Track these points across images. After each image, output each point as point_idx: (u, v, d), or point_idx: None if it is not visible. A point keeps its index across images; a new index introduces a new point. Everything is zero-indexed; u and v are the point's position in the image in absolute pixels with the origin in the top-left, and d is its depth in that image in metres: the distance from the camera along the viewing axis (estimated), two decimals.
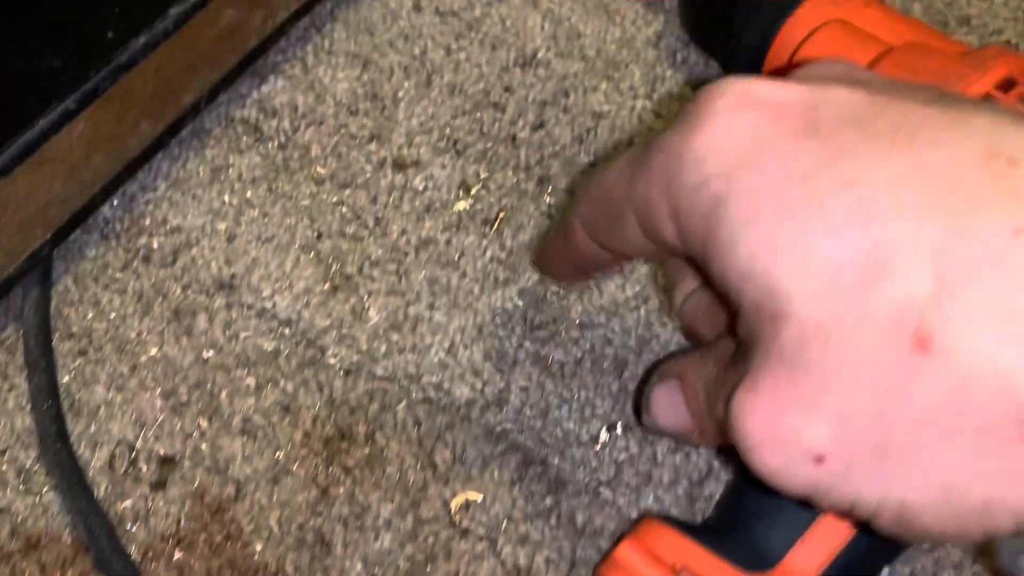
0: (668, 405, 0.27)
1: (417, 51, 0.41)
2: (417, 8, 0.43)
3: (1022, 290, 0.18)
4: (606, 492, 0.31)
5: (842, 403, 0.19)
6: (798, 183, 0.20)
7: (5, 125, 0.35)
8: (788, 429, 0.20)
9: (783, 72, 0.29)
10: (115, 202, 0.38)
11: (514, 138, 0.38)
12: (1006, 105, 0.29)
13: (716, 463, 0.32)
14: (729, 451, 0.24)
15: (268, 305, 0.35)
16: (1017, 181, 0.18)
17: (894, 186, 0.19)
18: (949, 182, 0.19)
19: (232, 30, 0.40)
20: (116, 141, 0.38)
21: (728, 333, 0.25)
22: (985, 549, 0.31)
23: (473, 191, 0.37)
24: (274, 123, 0.40)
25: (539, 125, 0.39)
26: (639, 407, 0.32)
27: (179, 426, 0.33)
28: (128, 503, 0.32)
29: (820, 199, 0.19)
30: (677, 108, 0.39)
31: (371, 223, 0.37)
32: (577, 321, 0.34)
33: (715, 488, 0.31)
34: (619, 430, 0.32)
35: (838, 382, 0.19)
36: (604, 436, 0.32)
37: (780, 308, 0.20)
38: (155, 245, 0.37)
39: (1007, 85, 0.29)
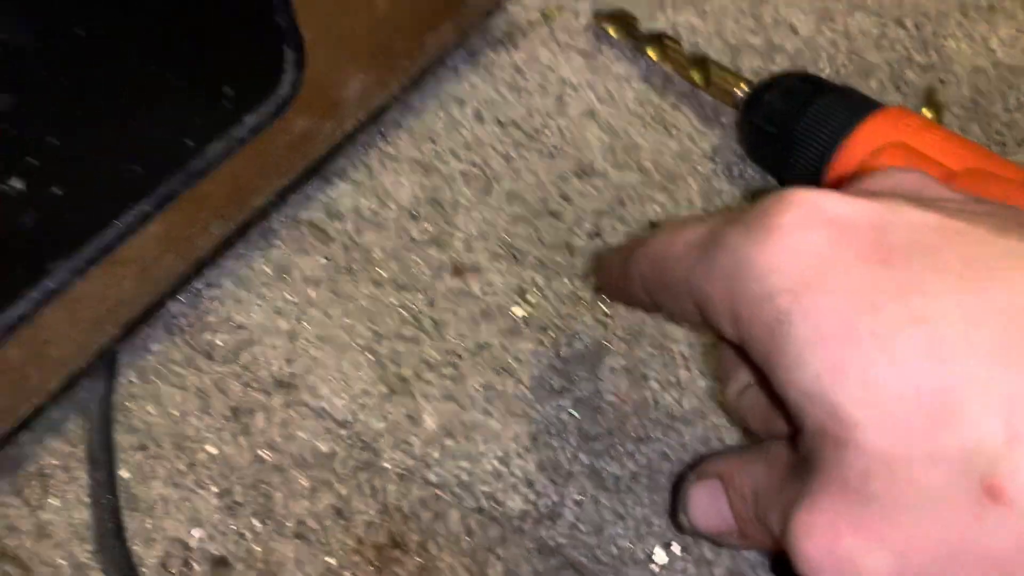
0: (708, 505, 0.26)
1: (478, 159, 0.42)
2: (479, 118, 0.44)
3: None
4: None
5: (906, 538, 0.19)
6: (867, 312, 0.20)
7: (83, 228, 0.36)
8: (848, 557, 0.20)
9: (854, 176, 0.29)
10: (181, 298, 0.39)
11: (571, 246, 0.39)
12: None
13: None
14: (777, 558, 0.24)
15: (325, 406, 0.36)
16: None
17: (965, 326, 0.19)
18: (1022, 326, 0.19)
19: (303, 138, 0.42)
20: (187, 242, 0.39)
21: (785, 440, 0.25)
22: None
23: (530, 298, 0.38)
24: (339, 226, 0.41)
25: (596, 234, 0.39)
26: (675, 507, 0.31)
27: (233, 527, 0.33)
28: None
29: (889, 332, 0.20)
30: None
31: (428, 326, 0.37)
32: (633, 435, 0.34)
33: None
34: (676, 549, 0.31)
35: (903, 517, 0.19)
36: (660, 555, 0.31)
37: (845, 435, 0.20)
38: (218, 342, 0.38)
39: None
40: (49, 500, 0.34)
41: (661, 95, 0.43)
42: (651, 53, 0.44)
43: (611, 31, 0.47)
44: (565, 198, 0.40)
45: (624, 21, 0.47)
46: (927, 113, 0.41)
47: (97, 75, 0.36)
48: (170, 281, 0.39)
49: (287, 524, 0.33)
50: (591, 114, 0.43)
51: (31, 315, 0.36)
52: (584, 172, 0.41)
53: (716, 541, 0.29)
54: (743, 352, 0.24)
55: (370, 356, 0.37)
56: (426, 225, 0.40)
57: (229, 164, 0.40)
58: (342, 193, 0.42)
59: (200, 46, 0.37)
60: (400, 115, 0.45)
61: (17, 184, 0.33)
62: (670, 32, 0.45)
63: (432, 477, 0.34)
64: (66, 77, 0.34)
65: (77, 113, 0.34)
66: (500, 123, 0.44)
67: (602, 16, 0.48)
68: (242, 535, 0.33)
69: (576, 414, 0.35)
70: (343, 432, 0.35)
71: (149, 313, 0.38)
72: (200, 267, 0.40)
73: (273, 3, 0.37)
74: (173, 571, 0.33)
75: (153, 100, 0.38)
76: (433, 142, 0.44)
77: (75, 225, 0.35)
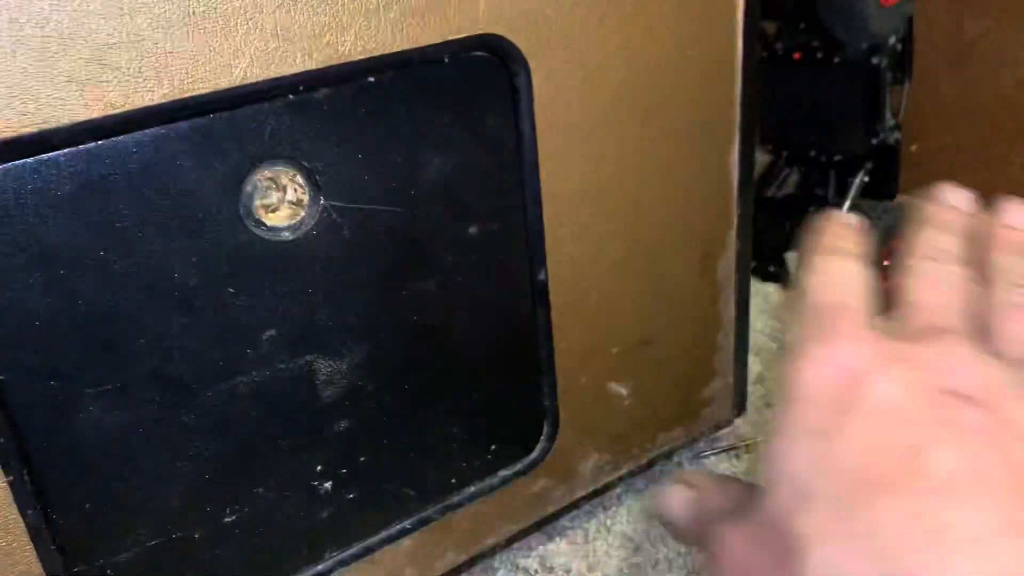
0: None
1: (683, 549, 0.49)
2: None
3: None
4: None
5: None
6: None
7: (357, 529, 0.46)
8: None
9: None
10: None
11: None
12: None
13: None
14: None
15: None
16: None
17: None
18: None
19: (538, 496, 0.53)
20: (426, 560, 0.50)
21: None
22: None
23: None
24: None
25: None
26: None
27: None
28: None
29: None
30: None
31: None
32: None
33: None
34: None
35: None
36: None
37: None
38: None
39: None
40: None
41: None
42: None
43: None
44: None
45: None
46: None
47: (407, 417, 0.47)
48: None
49: None
50: None
51: None
52: None
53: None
54: None
55: None
56: None
57: (476, 504, 0.50)
58: (559, 551, 0.49)
59: (483, 412, 0.48)
60: (623, 493, 0.53)
61: (327, 486, 0.43)
62: None
63: None
64: (386, 415, 0.46)
65: (385, 441, 0.45)
66: None
67: None
68: None
69: None
70: None
71: None
72: None
73: (543, 389, 0.48)
74: None
75: (440, 444, 0.49)
76: (648, 524, 0.50)
77: (353, 526, 0.45)
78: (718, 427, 0.64)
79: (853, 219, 0.36)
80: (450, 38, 0.43)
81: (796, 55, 0.83)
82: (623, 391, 0.54)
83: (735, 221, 0.58)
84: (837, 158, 0.88)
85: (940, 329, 0.28)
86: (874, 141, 0.85)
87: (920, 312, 0.30)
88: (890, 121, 0.85)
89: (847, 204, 0.87)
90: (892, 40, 0.81)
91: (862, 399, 0.26)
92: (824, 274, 0.32)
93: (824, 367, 0.27)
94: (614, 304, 0.54)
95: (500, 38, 0.44)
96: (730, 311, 0.61)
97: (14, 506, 0.39)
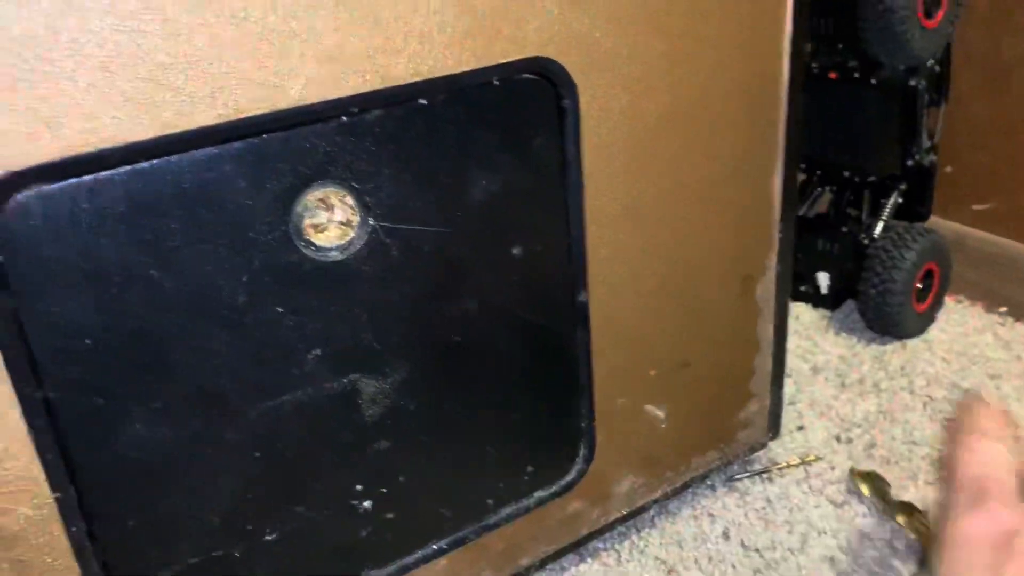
0: None
1: (717, 574, 0.48)
2: (725, 536, 0.51)
3: None
4: None
5: None
6: None
7: (394, 548, 0.46)
8: None
9: None
10: None
11: None
12: None
13: None
14: None
15: None
16: None
17: None
18: None
19: (573, 518, 0.53)
20: None
21: None
22: None
23: None
24: None
25: None
26: None
27: None
28: None
29: None
30: None
31: None
32: None
33: None
34: None
35: None
36: None
37: None
38: None
39: None
40: None
41: (903, 562, 0.49)
42: (899, 520, 0.51)
43: (864, 489, 0.55)
44: None
45: (877, 483, 0.56)
46: None
47: (446, 437, 0.47)
48: None
49: None
50: (831, 561, 0.49)
51: None
52: None
53: None
54: None
55: None
56: None
57: (512, 525, 0.50)
58: (591, 572, 0.49)
59: (521, 433, 0.49)
60: (656, 515, 0.52)
61: (366, 504, 0.43)
62: (920, 505, 0.51)
63: None
64: (426, 435, 0.46)
65: (424, 460, 0.45)
66: (744, 546, 0.50)
67: (857, 473, 0.57)
68: None
69: None
70: None
71: None
72: None
73: (581, 411, 0.48)
74: None
75: (478, 464, 0.49)
76: (680, 547, 0.50)
77: (390, 545, 0.45)
78: (752, 450, 0.63)
79: (998, 406, 0.45)
80: (500, 61, 0.43)
81: (832, 74, 0.82)
82: (660, 413, 0.54)
83: (776, 244, 0.58)
84: (871, 178, 0.87)
85: None
86: (909, 162, 0.84)
87: None
88: (926, 143, 0.84)
89: (880, 225, 0.86)
90: (931, 62, 0.80)
91: (1017, 548, 0.37)
92: (979, 453, 0.42)
93: (985, 525, 0.38)
94: (653, 326, 0.54)
95: (550, 60, 0.44)
96: (768, 333, 0.61)
97: (60, 522, 0.39)
